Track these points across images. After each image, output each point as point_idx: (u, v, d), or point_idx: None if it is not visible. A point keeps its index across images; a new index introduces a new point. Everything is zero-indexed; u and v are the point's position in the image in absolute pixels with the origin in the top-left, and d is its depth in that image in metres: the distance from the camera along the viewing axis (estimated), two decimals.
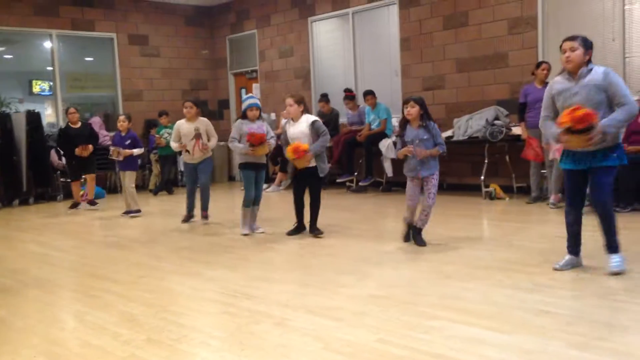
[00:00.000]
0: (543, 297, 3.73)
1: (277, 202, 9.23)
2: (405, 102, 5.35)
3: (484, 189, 8.23)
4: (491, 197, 8.10)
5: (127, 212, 8.27)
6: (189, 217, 7.41)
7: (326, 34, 11.30)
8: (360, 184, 9.72)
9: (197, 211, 7.39)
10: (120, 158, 8.21)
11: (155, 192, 10.85)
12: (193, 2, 13.03)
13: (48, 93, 11.64)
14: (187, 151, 7.17)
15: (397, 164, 9.49)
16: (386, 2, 10.08)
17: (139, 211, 8.26)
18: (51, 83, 11.60)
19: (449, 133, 8.58)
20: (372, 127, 9.51)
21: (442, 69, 9.37)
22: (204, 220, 7.30)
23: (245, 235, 6.39)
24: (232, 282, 4.55)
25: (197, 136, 7.15)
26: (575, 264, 4.37)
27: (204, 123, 7.25)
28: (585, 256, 4.49)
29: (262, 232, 6.47)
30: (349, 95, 9.96)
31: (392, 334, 3.24)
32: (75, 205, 9.07)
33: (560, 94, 4.19)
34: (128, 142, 8.27)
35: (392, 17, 10.06)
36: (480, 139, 8.17)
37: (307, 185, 6.15)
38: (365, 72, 10.67)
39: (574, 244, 4.40)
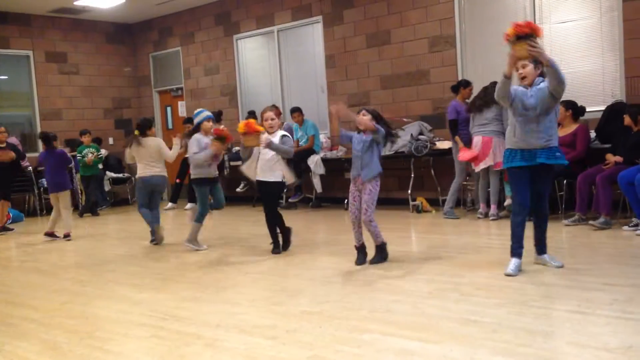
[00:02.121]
0: (469, 306, 3.84)
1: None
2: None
3: (411, 203, 8.45)
4: (418, 210, 8.31)
5: (66, 236, 7.80)
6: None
7: (252, 52, 11.31)
8: (289, 200, 9.73)
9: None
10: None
11: (80, 214, 10.50)
12: (113, 19, 12.74)
13: None
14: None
15: (326, 180, 9.58)
16: (311, 21, 10.21)
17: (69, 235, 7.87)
18: None
19: None
20: (300, 143, 9.56)
21: (367, 85, 9.56)
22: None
23: (197, 250, 6.42)
24: (160, 304, 4.44)
25: None
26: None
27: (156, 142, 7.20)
28: (503, 264, 4.66)
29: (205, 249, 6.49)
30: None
31: (326, 349, 3.25)
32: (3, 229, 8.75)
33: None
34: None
35: (316, 35, 10.19)
36: (406, 153, 8.37)
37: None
38: (291, 89, 10.74)
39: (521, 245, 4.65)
